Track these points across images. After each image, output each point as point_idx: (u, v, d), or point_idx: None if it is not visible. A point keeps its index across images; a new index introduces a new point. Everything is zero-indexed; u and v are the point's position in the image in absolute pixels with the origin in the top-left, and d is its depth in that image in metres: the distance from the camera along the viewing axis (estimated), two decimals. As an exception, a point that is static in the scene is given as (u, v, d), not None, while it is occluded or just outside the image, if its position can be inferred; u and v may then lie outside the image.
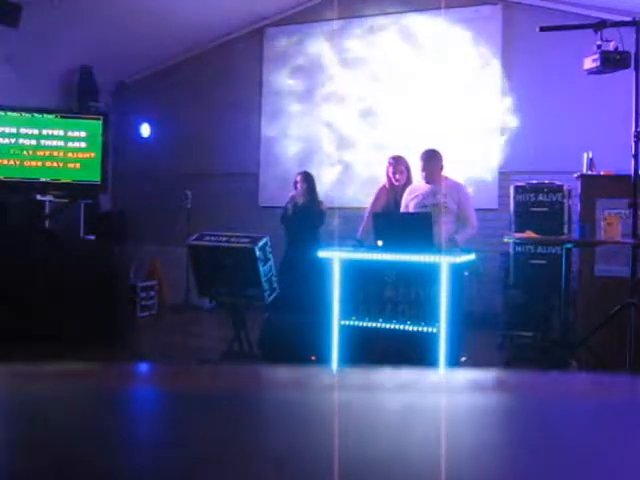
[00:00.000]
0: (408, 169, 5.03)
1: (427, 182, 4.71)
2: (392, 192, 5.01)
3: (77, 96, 8.12)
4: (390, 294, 4.29)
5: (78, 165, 7.04)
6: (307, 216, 5.89)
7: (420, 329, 4.20)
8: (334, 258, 4.41)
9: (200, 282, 5.18)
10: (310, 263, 5.54)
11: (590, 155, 5.04)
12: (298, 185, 6.01)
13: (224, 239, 4.99)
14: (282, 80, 8.36)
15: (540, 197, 5.55)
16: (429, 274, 4.15)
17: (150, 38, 7.70)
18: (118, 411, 0.51)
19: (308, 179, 6.03)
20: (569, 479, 0.39)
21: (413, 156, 5.06)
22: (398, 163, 5.02)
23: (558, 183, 5.59)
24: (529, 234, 4.76)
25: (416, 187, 4.86)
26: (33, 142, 6.92)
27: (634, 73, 4.09)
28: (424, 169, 4.71)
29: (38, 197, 6.84)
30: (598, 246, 4.72)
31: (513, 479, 0.39)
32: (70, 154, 7.02)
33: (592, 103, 6.41)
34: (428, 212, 4.58)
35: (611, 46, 4.16)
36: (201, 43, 8.58)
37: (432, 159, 4.72)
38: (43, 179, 6.95)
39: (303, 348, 4.59)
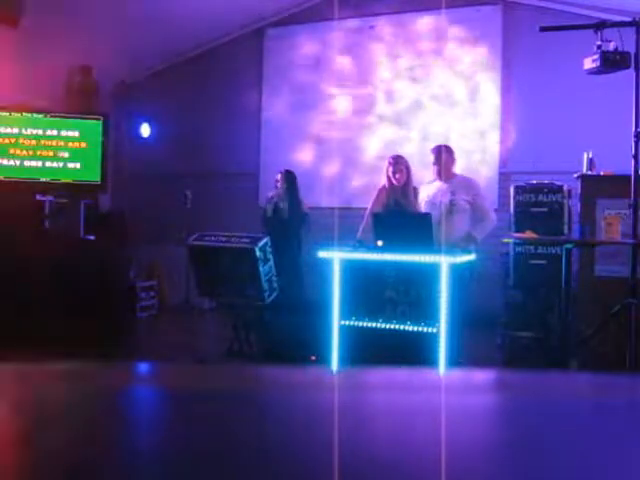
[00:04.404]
0: (408, 168, 5.03)
1: (439, 178, 4.78)
2: (391, 192, 5.01)
3: (77, 96, 8.11)
4: (390, 294, 4.29)
5: (78, 165, 7.04)
6: (288, 218, 5.72)
7: (420, 329, 4.20)
8: (334, 258, 4.41)
9: (200, 282, 5.18)
10: (294, 265, 5.51)
11: (590, 155, 5.04)
12: (278, 184, 5.83)
13: (224, 239, 4.98)
14: (282, 80, 8.36)
15: (540, 197, 5.55)
16: (429, 274, 4.15)
17: (150, 38, 7.69)
18: (118, 410, 0.51)
19: (289, 178, 5.83)
20: (569, 477, 0.39)
21: (412, 156, 5.07)
22: (398, 162, 5.02)
23: (558, 183, 5.58)
24: (529, 234, 4.77)
25: (428, 185, 4.93)
26: (33, 142, 6.92)
27: (634, 73, 4.09)
28: (436, 163, 4.77)
29: (38, 197, 6.83)
30: (598, 246, 4.72)
31: (513, 478, 0.39)
32: (70, 154, 7.02)
33: (592, 103, 6.41)
34: (428, 212, 4.60)
35: (611, 46, 4.15)
36: (201, 43, 8.58)
37: (444, 154, 4.78)
38: (43, 179, 6.95)
39: (300, 348, 4.59)
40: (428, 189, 4.90)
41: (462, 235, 4.63)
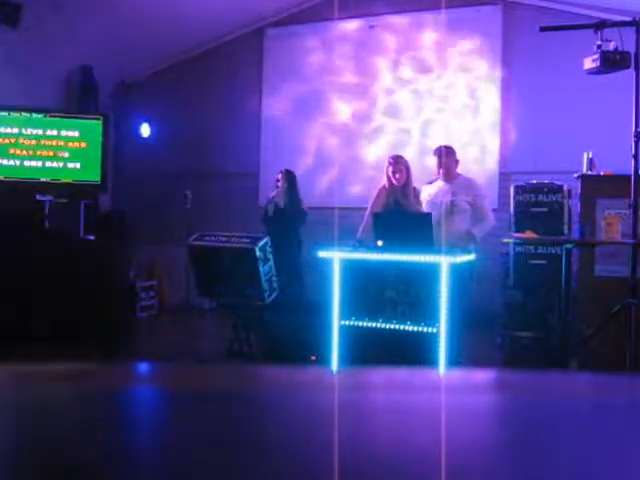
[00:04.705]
0: (408, 168, 5.04)
1: (443, 179, 4.81)
2: (391, 192, 5.01)
3: (77, 96, 8.12)
4: (390, 294, 4.29)
5: (78, 165, 7.04)
6: (289, 217, 5.77)
7: (420, 329, 4.20)
8: (334, 258, 4.41)
9: (200, 282, 5.18)
10: (294, 264, 5.52)
11: (590, 155, 5.04)
12: (279, 184, 5.89)
13: (224, 239, 4.98)
14: (282, 80, 8.36)
15: (540, 197, 5.55)
16: (429, 274, 4.15)
17: (150, 38, 7.70)
18: (118, 410, 0.51)
19: (289, 178, 5.90)
20: (569, 478, 0.39)
21: (411, 156, 5.07)
22: (397, 162, 5.02)
23: (558, 183, 5.58)
24: (529, 234, 4.77)
25: (430, 185, 4.97)
26: (33, 142, 6.92)
27: (634, 73, 4.09)
28: (440, 165, 4.80)
29: (38, 197, 6.83)
30: (598, 246, 4.72)
31: (513, 478, 0.39)
32: (70, 154, 7.02)
33: (592, 103, 6.41)
34: (428, 212, 4.61)
35: (611, 46, 4.15)
36: (201, 43, 8.58)
37: (447, 155, 4.82)
38: (43, 179, 6.95)
39: (300, 348, 4.59)
40: (430, 189, 4.93)
41: (462, 235, 4.65)
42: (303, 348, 4.58)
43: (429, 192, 4.90)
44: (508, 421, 0.51)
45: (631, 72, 4.12)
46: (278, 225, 5.71)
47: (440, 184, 4.86)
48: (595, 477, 0.40)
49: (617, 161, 4.61)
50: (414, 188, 5.04)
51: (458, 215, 4.71)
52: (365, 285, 4.35)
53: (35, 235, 6.15)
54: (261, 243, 4.83)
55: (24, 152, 6.91)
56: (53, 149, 6.98)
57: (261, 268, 4.79)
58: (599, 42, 4.19)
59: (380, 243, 4.32)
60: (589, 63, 4.25)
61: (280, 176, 5.91)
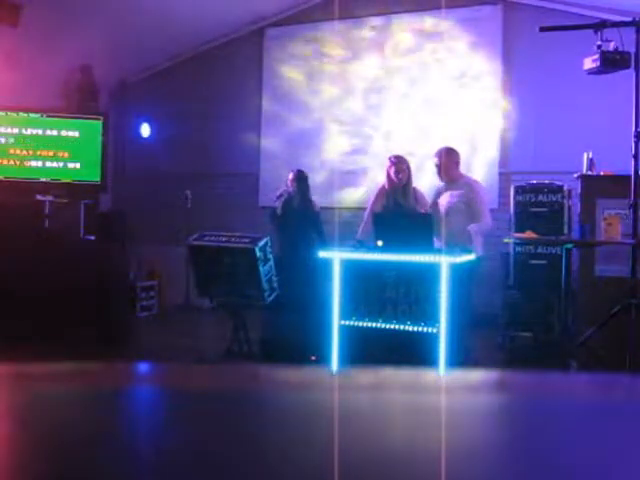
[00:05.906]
0: (409, 169, 5.04)
1: (443, 180, 4.81)
2: (392, 192, 5.01)
3: (77, 96, 8.12)
4: (390, 294, 4.29)
5: (78, 165, 7.05)
6: (299, 217, 5.72)
7: (420, 329, 4.20)
8: (334, 258, 4.41)
9: (200, 282, 5.18)
10: (303, 265, 5.50)
11: (590, 155, 5.04)
12: (289, 182, 5.84)
13: (224, 239, 4.98)
14: (282, 80, 8.36)
15: (540, 197, 5.56)
16: (429, 274, 4.15)
17: (150, 38, 7.70)
18: (118, 410, 0.51)
19: (300, 178, 5.85)
20: (569, 479, 0.39)
21: (411, 156, 5.07)
22: (399, 162, 5.02)
23: (558, 183, 5.59)
24: (529, 234, 4.77)
25: (437, 187, 4.99)
26: (33, 142, 6.92)
27: (634, 73, 4.09)
28: (438, 166, 4.80)
29: (38, 197, 6.84)
30: (598, 246, 4.72)
31: (513, 479, 0.39)
32: (70, 154, 7.02)
33: (592, 103, 6.41)
34: (428, 212, 4.62)
35: (611, 46, 4.15)
36: (201, 43, 8.58)
37: (447, 156, 4.81)
38: (43, 179, 6.95)
39: (303, 348, 4.59)
40: (436, 191, 4.94)
41: (460, 234, 4.63)
42: (303, 348, 4.59)
43: (436, 198, 4.91)
44: (508, 422, 0.51)
45: (631, 72, 4.12)
46: (288, 224, 5.64)
47: (444, 186, 4.85)
48: (594, 477, 0.40)
49: (617, 161, 4.61)
50: (414, 188, 5.04)
51: (454, 216, 4.68)
52: (365, 285, 4.35)
53: (35, 235, 6.15)
54: (261, 243, 4.83)
55: (24, 152, 6.91)
56: (53, 149, 6.98)
57: (261, 268, 4.79)
58: (599, 42, 4.19)
59: (380, 243, 4.32)
60: (589, 63, 4.26)
61: (291, 176, 5.85)
